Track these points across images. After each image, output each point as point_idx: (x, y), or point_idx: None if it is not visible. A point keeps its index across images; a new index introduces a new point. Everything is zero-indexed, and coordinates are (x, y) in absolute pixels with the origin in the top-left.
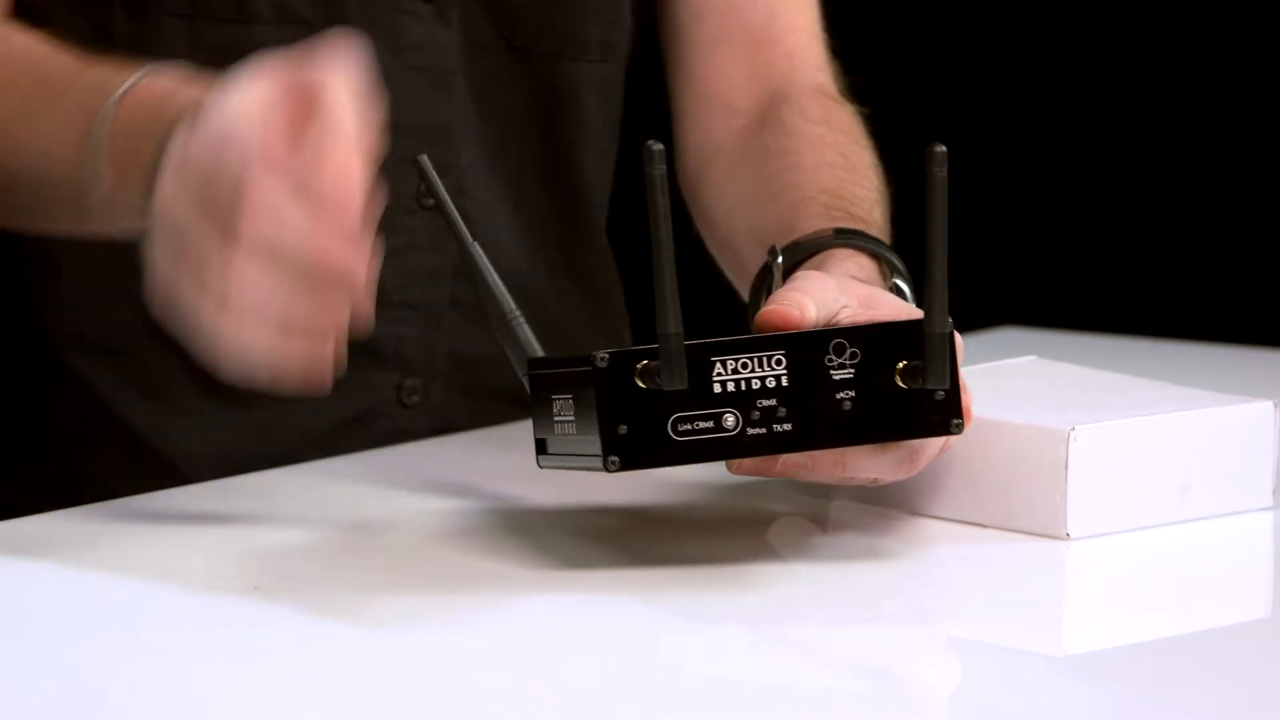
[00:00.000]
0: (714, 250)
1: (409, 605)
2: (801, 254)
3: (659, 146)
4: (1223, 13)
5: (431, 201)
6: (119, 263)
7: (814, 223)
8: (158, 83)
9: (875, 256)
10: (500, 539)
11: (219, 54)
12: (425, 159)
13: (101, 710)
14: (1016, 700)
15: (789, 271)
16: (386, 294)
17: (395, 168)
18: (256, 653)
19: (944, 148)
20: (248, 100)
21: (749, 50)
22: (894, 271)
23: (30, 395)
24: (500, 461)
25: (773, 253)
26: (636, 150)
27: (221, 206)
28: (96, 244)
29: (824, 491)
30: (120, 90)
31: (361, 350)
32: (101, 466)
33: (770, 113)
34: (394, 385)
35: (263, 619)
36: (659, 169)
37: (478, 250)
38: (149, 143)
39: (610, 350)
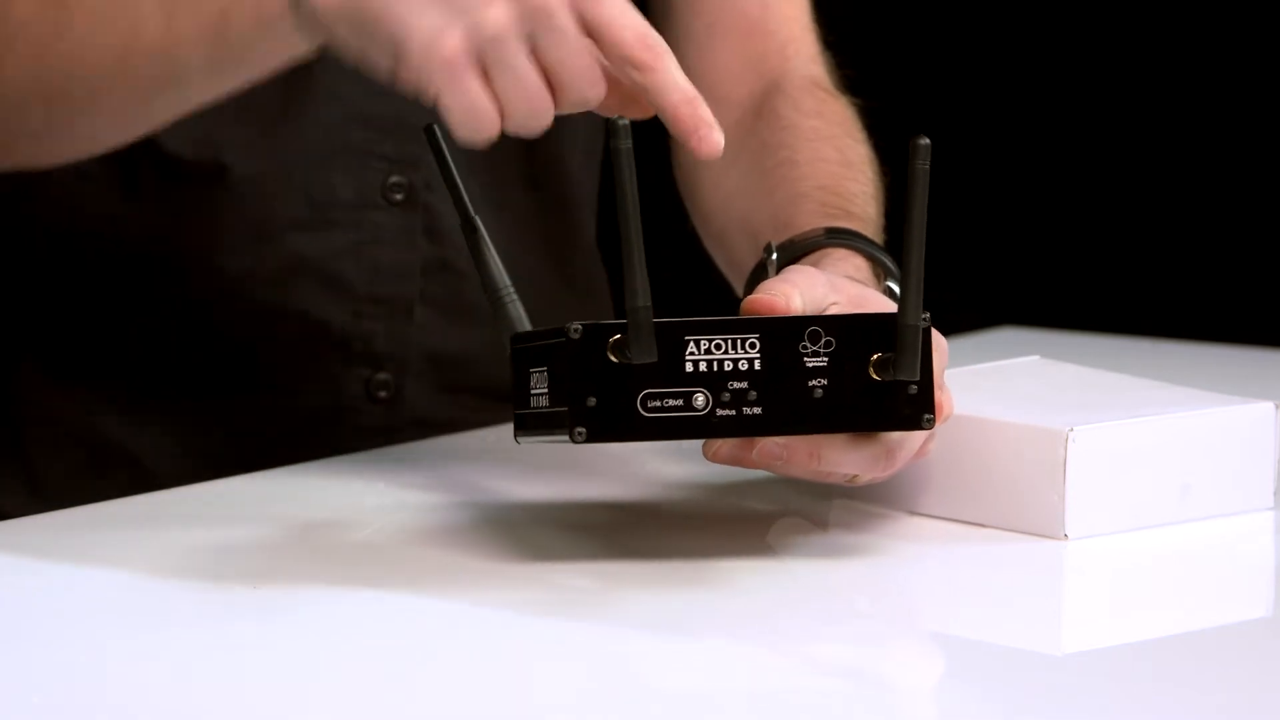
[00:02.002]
0: (708, 245)
1: (403, 604)
2: (797, 252)
3: (624, 121)
4: (1223, 13)
5: (401, 197)
6: (92, 267)
7: (810, 220)
8: None
9: (870, 258)
10: (487, 536)
11: None
12: (436, 127)
13: (102, 710)
14: (1014, 700)
15: (783, 269)
16: (353, 288)
17: (362, 162)
18: (256, 652)
19: (928, 140)
20: None
21: (743, 41)
22: (888, 274)
23: (4, 405)
24: (484, 460)
25: (768, 249)
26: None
27: None
28: (65, 247)
29: (823, 491)
30: None
31: (329, 345)
32: (71, 466)
33: (765, 105)
34: (363, 380)
35: (263, 618)
36: (624, 144)
37: (478, 223)
38: None
39: (584, 322)
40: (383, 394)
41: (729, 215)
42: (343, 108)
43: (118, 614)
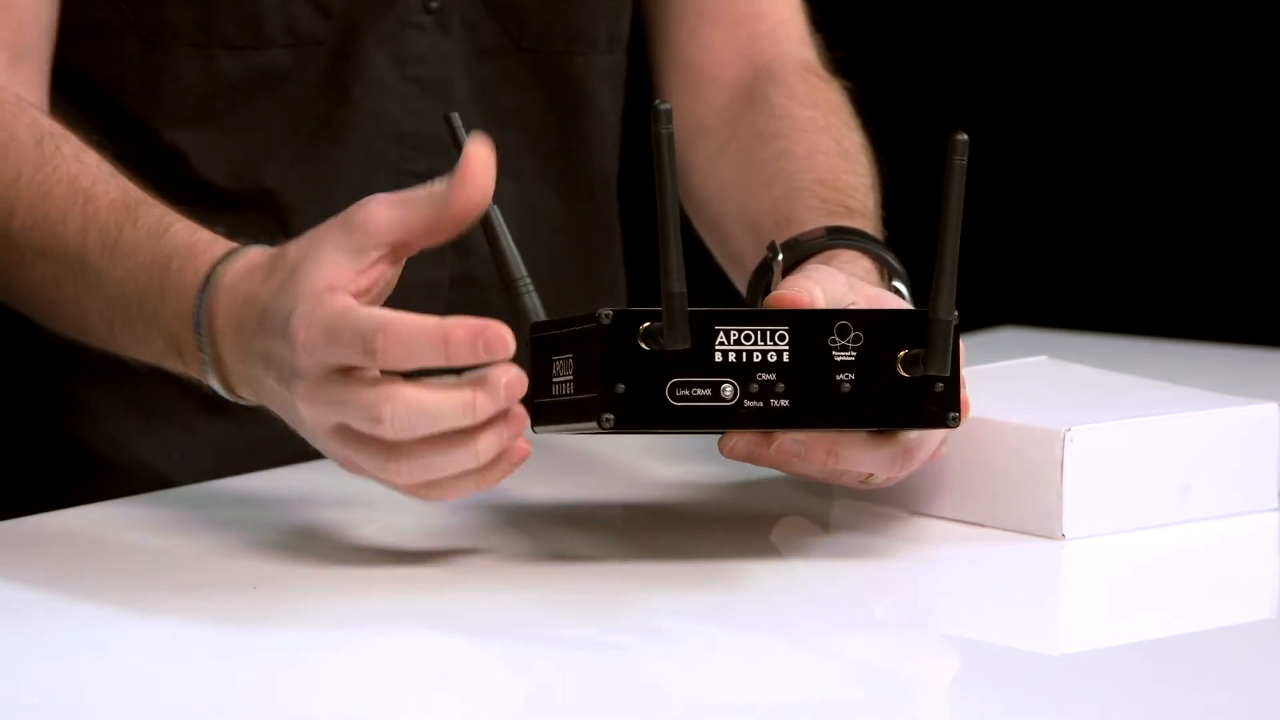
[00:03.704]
0: (701, 230)
1: (408, 604)
2: (801, 253)
3: (666, 106)
4: (1223, 13)
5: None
6: None
7: (811, 215)
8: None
9: (876, 259)
10: (495, 537)
11: (231, 80)
12: (455, 116)
13: (102, 709)
14: (1012, 699)
15: (789, 270)
16: (381, 306)
17: (398, 180)
18: (256, 652)
19: (965, 136)
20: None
21: (733, 24)
22: (893, 274)
23: (31, 419)
24: None
25: (772, 249)
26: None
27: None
28: None
29: (826, 491)
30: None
31: None
32: (99, 485)
33: (757, 91)
34: None
35: (263, 618)
36: (666, 129)
37: (494, 211)
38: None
39: (615, 308)
40: None
41: (724, 204)
42: (381, 126)
43: (118, 614)
